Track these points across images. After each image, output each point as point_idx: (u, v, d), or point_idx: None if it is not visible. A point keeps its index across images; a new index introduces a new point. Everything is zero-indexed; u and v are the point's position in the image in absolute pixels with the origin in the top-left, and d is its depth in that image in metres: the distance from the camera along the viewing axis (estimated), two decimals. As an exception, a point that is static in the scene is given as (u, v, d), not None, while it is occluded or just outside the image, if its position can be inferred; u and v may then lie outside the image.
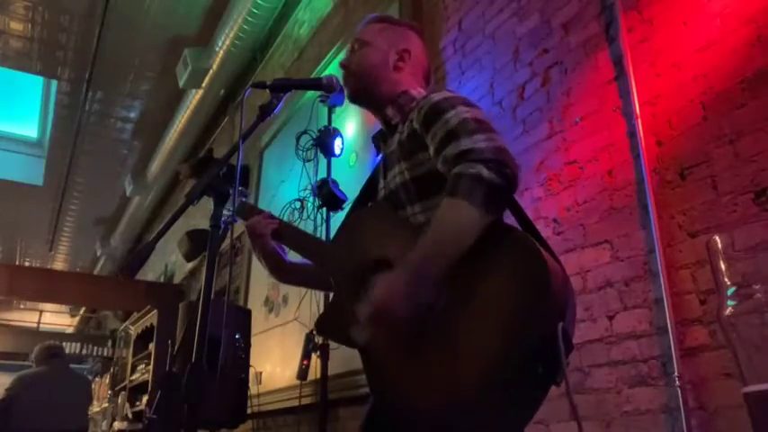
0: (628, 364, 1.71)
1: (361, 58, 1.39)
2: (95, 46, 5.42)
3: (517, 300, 1.00)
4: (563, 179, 2.06)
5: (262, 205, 4.52)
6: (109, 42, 5.42)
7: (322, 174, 2.95)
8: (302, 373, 2.67)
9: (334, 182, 2.82)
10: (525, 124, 2.28)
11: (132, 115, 6.85)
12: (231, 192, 1.29)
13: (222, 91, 5.71)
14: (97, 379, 8.88)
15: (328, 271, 1.35)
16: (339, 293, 1.31)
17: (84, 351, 10.19)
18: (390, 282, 1.06)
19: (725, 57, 1.62)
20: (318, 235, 2.78)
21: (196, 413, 1.10)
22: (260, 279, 4.30)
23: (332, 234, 2.22)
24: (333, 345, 2.56)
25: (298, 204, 3.29)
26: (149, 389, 4.68)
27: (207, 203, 1.28)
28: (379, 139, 1.44)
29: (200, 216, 4.09)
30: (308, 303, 3.17)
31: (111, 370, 7.23)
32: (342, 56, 1.51)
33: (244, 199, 1.58)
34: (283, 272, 1.49)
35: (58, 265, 11.28)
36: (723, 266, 1.08)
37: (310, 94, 3.51)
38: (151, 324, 5.21)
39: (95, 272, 10.93)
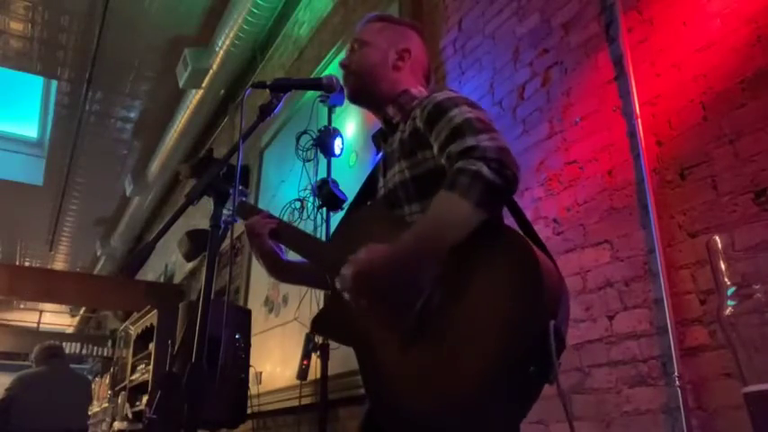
0: (628, 364, 1.71)
1: (361, 58, 1.39)
2: (95, 46, 5.42)
3: (509, 298, 1.01)
4: (563, 179, 2.06)
5: (262, 205, 4.53)
6: (109, 42, 5.42)
7: (322, 174, 2.95)
8: (302, 373, 2.67)
9: (334, 182, 2.81)
10: (525, 124, 2.28)
11: (132, 115, 6.86)
12: (231, 192, 1.30)
13: (222, 91, 5.71)
14: (97, 379, 8.89)
15: (324, 270, 1.35)
16: (335, 292, 1.31)
17: (84, 351, 10.19)
18: (375, 249, 1.09)
19: (725, 57, 1.62)
20: (318, 235, 2.78)
21: (196, 413, 1.10)
22: (260, 279, 4.30)
23: (332, 233, 2.22)
24: (333, 345, 2.56)
25: (298, 204, 3.29)
26: (149, 389, 4.67)
27: (207, 203, 1.28)
28: (379, 138, 1.44)
29: (200, 216, 4.07)
30: (307, 303, 3.17)
31: (111, 370, 7.23)
32: (342, 56, 1.51)
33: (243, 199, 1.58)
34: (281, 271, 1.49)
35: (58, 265, 11.28)
36: (723, 266, 1.08)
37: (310, 94, 3.51)
38: (151, 324, 5.20)
39: (95, 272, 10.93)
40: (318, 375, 2.58)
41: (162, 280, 7.69)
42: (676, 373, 1.54)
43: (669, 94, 1.76)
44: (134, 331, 5.81)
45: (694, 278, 1.59)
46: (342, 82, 1.43)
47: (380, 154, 1.43)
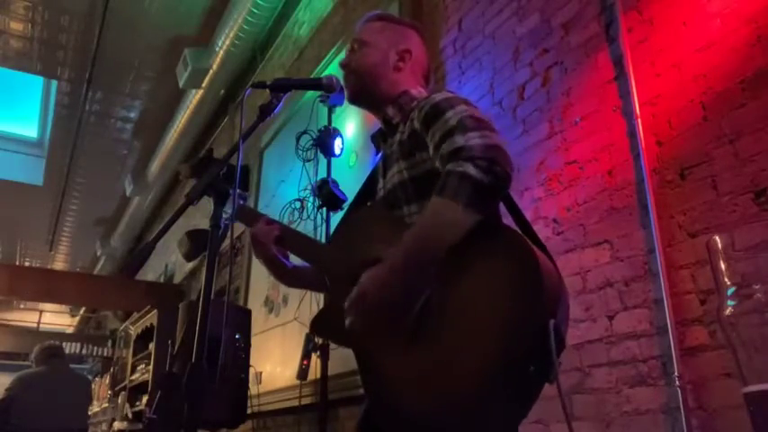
0: (628, 364, 1.71)
1: (362, 58, 1.38)
2: (95, 46, 5.43)
3: (509, 298, 1.00)
4: (563, 179, 2.06)
5: (262, 205, 4.55)
6: (109, 42, 5.42)
7: (322, 174, 2.95)
8: (302, 373, 2.67)
9: (334, 182, 2.82)
10: (525, 124, 2.28)
11: (132, 115, 6.86)
12: (231, 193, 1.29)
13: (222, 91, 5.71)
14: (97, 379, 8.88)
15: (323, 272, 1.35)
16: (334, 294, 1.31)
17: (84, 351, 10.19)
18: (374, 274, 1.09)
19: (725, 57, 1.62)
20: (318, 235, 2.78)
21: (196, 413, 1.10)
22: (260, 279, 4.30)
23: (331, 234, 2.22)
24: (333, 345, 2.56)
25: (298, 204, 3.29)
26: (149, 389, 4.67)
27: (207, 203, 1.28)
28: (378, 139, 1.44)
29: (200, 216, 4.09)
30: (307, 303, 3.17)
31: (111, 370, 7.22)
32: (342, 56, 1.50)
33: (242, 202, 1.58)
34: (288, 277, 1.50)
35: (58, 265, 11.29)
36: (723, 266, 1.08)
37: (310, 94, 3.51)
38: (151, 324, 5.20)
39: (95, 272, 10.93)
40: (318, 375, 2.58)
41: (162, 280, 7.69)
42: (676, 373, 1.54)
43: (669, 94, 1.76)
44: (134, 331, 5.81)
45: (694, 278, 1.59)
46: (342, 82, 1.43)
47: (380, 154, 1.43)
